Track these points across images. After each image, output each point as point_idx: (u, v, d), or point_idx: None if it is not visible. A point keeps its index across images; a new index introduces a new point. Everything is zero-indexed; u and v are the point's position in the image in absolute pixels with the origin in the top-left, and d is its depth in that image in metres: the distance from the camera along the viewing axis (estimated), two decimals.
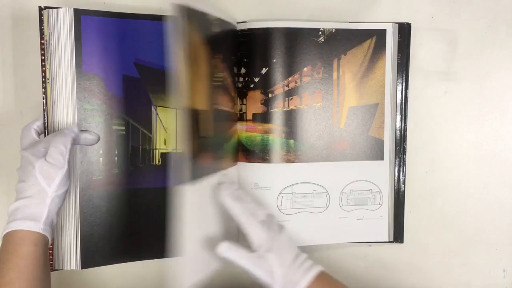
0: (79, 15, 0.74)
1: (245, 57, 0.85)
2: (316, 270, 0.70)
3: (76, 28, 0.74)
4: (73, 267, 0.77)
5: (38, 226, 0.66)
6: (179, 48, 0.63)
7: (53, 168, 0.69)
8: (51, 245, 0.76)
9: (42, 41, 0.75)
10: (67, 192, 0.72)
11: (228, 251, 0.70)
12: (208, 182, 0.73)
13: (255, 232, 0.71)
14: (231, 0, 0.88)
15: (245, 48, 0.85)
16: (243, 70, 0.85)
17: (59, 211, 0.75)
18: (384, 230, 0.90)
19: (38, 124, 0.75)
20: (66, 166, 0.70)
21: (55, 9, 0.74)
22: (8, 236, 0.65)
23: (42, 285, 0.65)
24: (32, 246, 0.65)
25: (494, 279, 0.95)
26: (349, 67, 0.87)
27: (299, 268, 0.70)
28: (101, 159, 0.78)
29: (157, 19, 0.80)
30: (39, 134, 0.75)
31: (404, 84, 0.89)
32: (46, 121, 0.75)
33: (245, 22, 0.85)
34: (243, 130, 0.86)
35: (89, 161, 0.77)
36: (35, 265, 0.65)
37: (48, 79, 0.75)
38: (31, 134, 0.73)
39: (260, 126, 0.85)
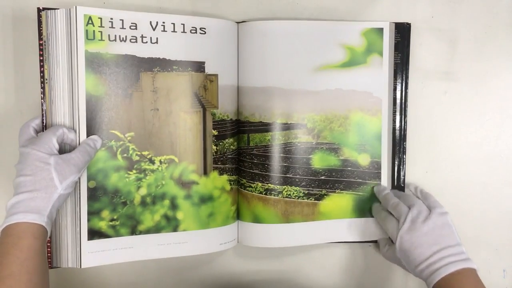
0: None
1: None
2: (449, 270, 0.71)
3: None
4: (72, 265, 0.78)
5: (42, 219, 0.67)
6: None
7: (70, 169, 0.71)
8: (50, 242, 0.77)
9: (41, 42, 0.75)
10: (69, 195, 0.74)
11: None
12: None
13: (387, 228, 0.82)
14: (231, 0, 0.88)
15: None
16: None
17: (60, 209, 0.76)
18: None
19: (37, 122, 0.75)
20: (80, 174, 0.74)
21: (53, 10, 0.75)
22: (7, 229, 0.65)
23: (42, 278, 0.66)
24: (33, 239, 0.65)
25: (494, 279, 0.95)
26: None
27: (428, 267, 0.73)
28: None
29: None
30: (37, 132, 0.75)
31: (403, 84, 0.89)
32: (44, 120, 0.76)
33: (245, 22, 0.85)
34: None
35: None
36: (35, 258, 0.65)
37: (46, 79, 0.75)
38: (29, 131, 0.74)
39: None
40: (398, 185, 0.90)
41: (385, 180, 0.89)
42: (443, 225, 0.76)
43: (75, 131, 0.76)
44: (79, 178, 0.75)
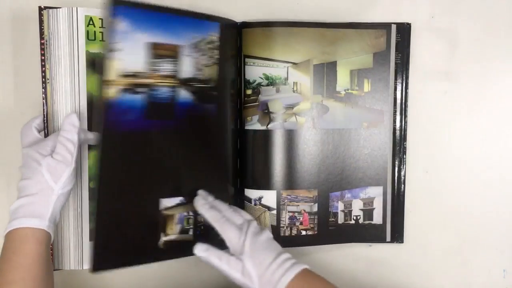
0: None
1: None
2: (297, 269, 0.69)
3: None
4: (74, 267, 0.77)
5: (44, 224, 0.66)
6: None
7: (60, 165, 0.68)
8: (51, 244, 0.76)
9: (42, 41, 0.75)
10: (71, 190, 0.72)
11: (205, 252, 0.73)
12: None
13: (229, 236, 0.73)
14: (231, 0, 0.88)
15: None
16: None
17: (62, 210, 0.75)
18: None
19: (38, 122, 0.75)
20: (73, 164, 0.70)
21: (54, 9, 0.74)
22: (11, 235, 0.65)
23: (46, 284, 0.65)
24: (36, 244, 0.65)
25: (494, 279, 0.95)
26: None
27: (278, 268, 0.69)
28: None
29: None
30: (39, 132, 0.74)
31: (404, 84, 0.89)
32: (46, 120, 0.75)
33: (245, 22, 0.85)
34: None
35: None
36: (39, 263, 0.64)
37: (48, 79, 0.75)
38: (32, 132, 0.73)
39: None
40: (399, 186, 0.90)
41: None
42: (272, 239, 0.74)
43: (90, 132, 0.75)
44: (81, 175, 0.74)
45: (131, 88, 0.72)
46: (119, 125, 0.71)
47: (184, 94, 0.78)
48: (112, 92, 0.69)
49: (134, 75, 0.71)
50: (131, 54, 0.70)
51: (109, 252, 0.73)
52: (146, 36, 0.72)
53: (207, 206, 0.76)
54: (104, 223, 0.71)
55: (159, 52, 0.74)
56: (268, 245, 0.72)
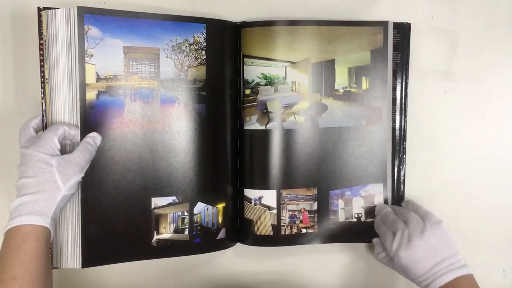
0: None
1: None
2: (456, 275, 0.74)
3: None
4: (72, 265, 0.77)
5: (46, 221, 0.67)
6: None
7: (72, 169, 0.71)
8: (50, 242, 0.76)
9: (41, 42, 0.75)
10: (72, 195, 0.74)
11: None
12: None
13: (387, 247, 0.82)
14: (231, 0, 0.88)
15: None
16: None
17: (61, 210, 0.75)
18: None
19: (36, 122, 0.75)
20: (83, 173, 0.73)
21: (53, 10, 0.74)
22: (12, 232, 0.65)
23: (45, 280, 0.66)
24: (36, 241, 0.65)
25: (494, 279, 0.95)
26: None
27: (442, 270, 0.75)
28: None
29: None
30: (37, 132, 0.75)
31: (403, 84, 0.89)
32: (45, 120, 0.75)
33: (245, 21, 0.85)
34: None
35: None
36: (39, 260, 0.65)
37: (46, 79, 0.75)
38: (30, 131, 0.73)
39: None
40: (399, 186, 0.90)
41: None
42: (439, 237, 0.78)
43: (77, 127, 0.75)
44: (82, 178, 0.75)
45: (111, 91, 0.77)
46: (101, 126, 0.77)
47: (165, 95, 0.79)
48: (91, 94, 0.75)
49: (111, 78, 0.76)
50: (106, 58, 0.76)
51: (98, 248, 0.78)
52: (119, 41, 0.76)
53: (379, 223, 0.86)
54: (90, 219, 0.77)
55: (135, 55, 0.77)
56: (426, 251, 0.77)
